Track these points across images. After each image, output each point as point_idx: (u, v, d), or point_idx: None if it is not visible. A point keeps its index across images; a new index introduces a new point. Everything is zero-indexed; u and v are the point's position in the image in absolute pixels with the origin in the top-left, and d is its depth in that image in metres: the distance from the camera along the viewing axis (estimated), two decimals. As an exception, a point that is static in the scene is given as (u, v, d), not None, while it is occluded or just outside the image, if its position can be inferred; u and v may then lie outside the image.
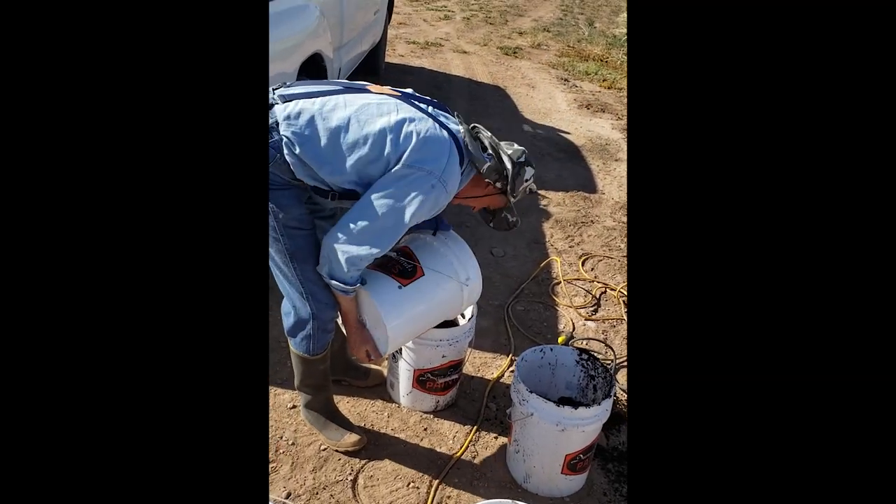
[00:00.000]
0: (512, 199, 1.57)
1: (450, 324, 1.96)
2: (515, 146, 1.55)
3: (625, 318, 2.54)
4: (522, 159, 1.53)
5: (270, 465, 1.71)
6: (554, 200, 3.56)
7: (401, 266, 1.65)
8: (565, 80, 6.57)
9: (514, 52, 7.21)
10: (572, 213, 3.41)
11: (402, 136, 1.42)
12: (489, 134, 1.55)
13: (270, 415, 1.87)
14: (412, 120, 1.44)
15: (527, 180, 1.55)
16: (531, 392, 1.59)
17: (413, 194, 1.41)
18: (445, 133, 1.46)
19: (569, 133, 4.84)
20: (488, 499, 1.60)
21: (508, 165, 1.50)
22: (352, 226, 1.43)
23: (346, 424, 1.80)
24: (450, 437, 1.85)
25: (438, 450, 1.80)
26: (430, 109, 1.53)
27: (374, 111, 1.45)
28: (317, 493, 1.63)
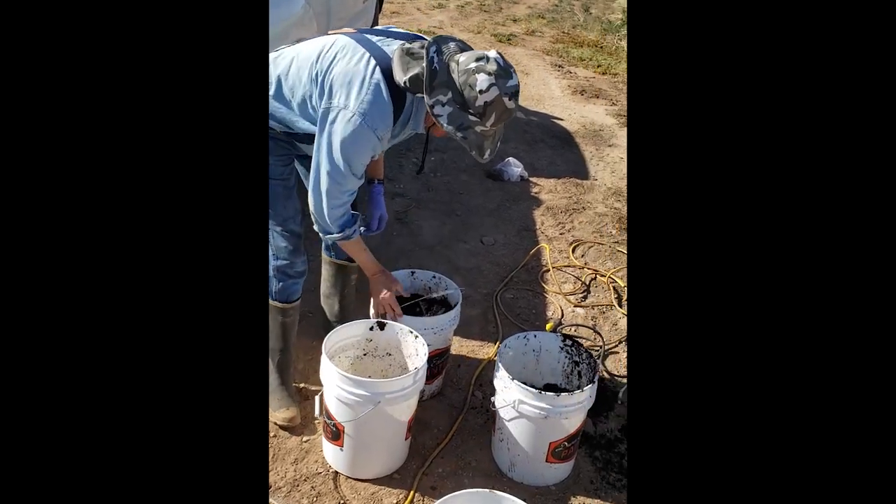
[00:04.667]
0: (473, 117, 1.36)
1: (434, 312, 1.94)
2: (481, 52, 1.38)
3: (614, 303, 2.51)
4: (472, 66, 1.33)
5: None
6: (546, 187, 3.52)
7: None
8: (559, 66, 6.50)
9: (509, 39, 7.13)
10: (564, 200, 3.37)
11: (325, 74, 1.43)
12: (455, 44, 1.41)
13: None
14: (339, 57, 1.43)
15: (482, 91, 1.32)
16: (513, 379, 1.56)
17: (337, 135, 1.41)
18: (370, 64, 1.40)
19: (562, 119, 4.79)
20: (473, 488, 1.58)
21: (455, 77, 1.34)
22: (314, 184, 1.50)
23: (288, 397, 1.77)
24: (434, 427, 1.83)
25: (421, 440, 1.78)
26: (374, 40, 1.47)
27: (312, 53, 1.47)
28: (297, 486, 1.61)
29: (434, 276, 2.01)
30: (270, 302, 1.71)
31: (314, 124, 1.48)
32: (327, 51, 1.46)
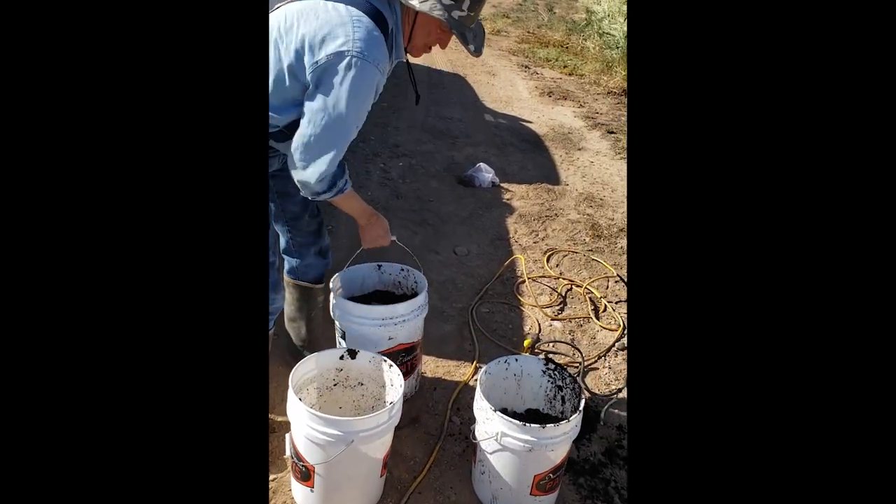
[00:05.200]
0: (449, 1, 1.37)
1: (395, 299, 1.84)
2: None
3: (591, 316, 2.45)
4: None
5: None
6: (517, 193, 3.45)
7: None
8: (526, 66, 6.45)
9: (474, 39, 7.05)
10: (536, 207, 3.30)
11: (295, 44, 1.33)
12: None
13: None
14: (299, 22, 1.33)
15: None
16: (496, 411, 1.47)
17: (340, 85, 1.32)
18: (338, 5, 1.33)
19: (531, 122, 4.73)
20: (453, 525, 1.49)
21: None
22: (304, 146, 1.38)
23: None
24: (410, 458, 1.73)
25: (397, 473, 1.67)
26: None
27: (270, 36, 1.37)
28: (264, 531, 1.49)
29: (402, 269, 1.94)
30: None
31: (288, 109, 1.39)
32: (283, 26, 1.35)
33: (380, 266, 1.94)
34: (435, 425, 1.85)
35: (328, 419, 1.37)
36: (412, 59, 1.57)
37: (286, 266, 1.82)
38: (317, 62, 1.32)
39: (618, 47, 6.73)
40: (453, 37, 1.47)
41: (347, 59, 1.30)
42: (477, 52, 1.46)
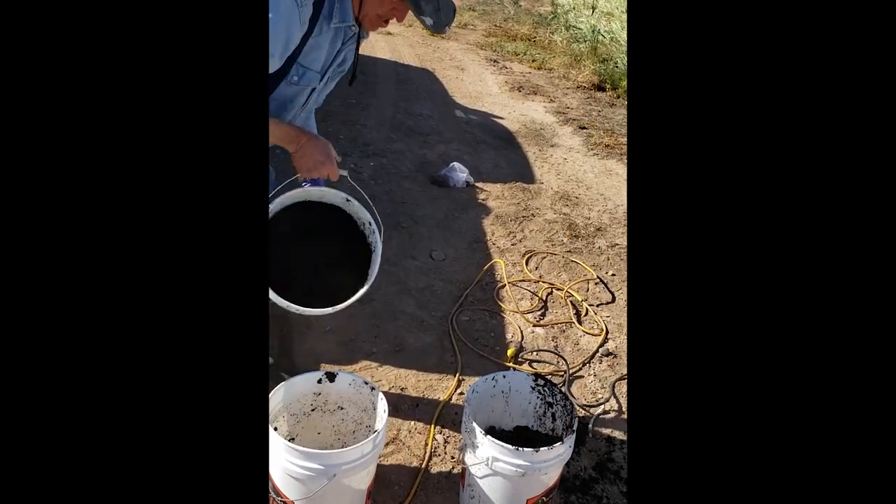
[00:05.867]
0: None
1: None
2: None
3: (573, 320, 2.40)
4: None
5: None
6: (493, 193, 3.37)
7: None
8: (494, 61, 6.38)
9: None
10: (512, 207, 3.23)
11: None
12: None
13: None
14: None
15: None
16: (485, 434, 1.39)
17: None
18: None
19: (502, 118, 4.66)
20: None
21: None
22: None
23: None
24: (394, 482, 1.64)
25: (381, 499, 1.58)
26: None
27: None
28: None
29: (347, 199, 1.47)
30: None
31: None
32: None
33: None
34: (419, 445, 1.76)
35: (308, 453, 1.27)
36: (369, 35, 1.43)
37: None
38: None
39: (585, 41, 6.71)
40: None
41: None
42: (437, 28, 1.28)
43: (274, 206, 1.37)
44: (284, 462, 1.28)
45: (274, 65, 1.26)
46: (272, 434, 1.29)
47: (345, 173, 1.41)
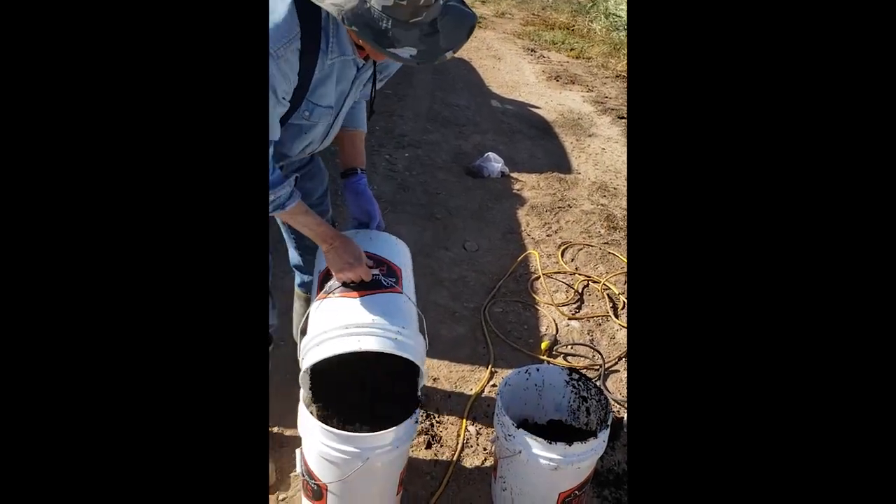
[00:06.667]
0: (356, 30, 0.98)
1: None
2: None
3: (610, 314, 2.35)
4: None
5: None
6: (528, 184, 3.33)
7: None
8: (532, 50, 6.29)
9: (478, 22, 6.88)
10: (548, 198, 3.19)
11: None
12: None
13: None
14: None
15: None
16: (518, 427, 1.38)
17: None
18: None
19: (539, 108, 4.60)
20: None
21: None
22: None
23: None
24: (426, 473, 1.64)
25: (413, 489, 1.58)
26: None
27: None
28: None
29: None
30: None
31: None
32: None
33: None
34: (451, 436, 1.76)
35: (342, 435, 1.28)
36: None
37: (297, 280, 1.74)
38: None
39: (625, 29, 6.55)
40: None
41: None
42: (426, 58, 1.02)
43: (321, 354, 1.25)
44: (319, 445, 1.30)
45: (276, 108, 1.14)
46: (308, 417, 1.30)
47: (377, 272, 1.32)
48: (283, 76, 1.08)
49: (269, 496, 1.54)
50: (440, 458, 1.69)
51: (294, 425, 1.39)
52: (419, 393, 1.35)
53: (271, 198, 1.20)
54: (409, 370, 1.31)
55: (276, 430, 1.70)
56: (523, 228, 2.90)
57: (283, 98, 1.12)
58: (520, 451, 1.38)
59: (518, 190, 3.27)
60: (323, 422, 1.29)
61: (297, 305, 1.77)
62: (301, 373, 1.27)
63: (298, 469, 1.39)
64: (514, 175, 3.41)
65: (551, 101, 4.77)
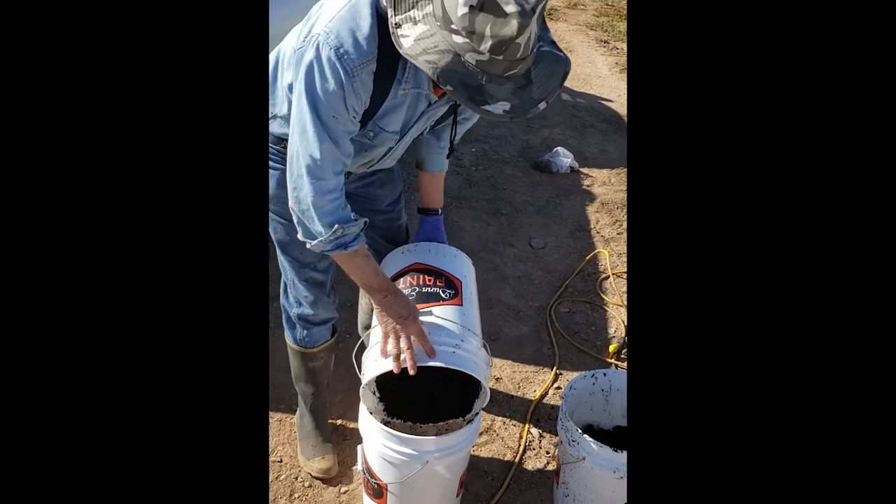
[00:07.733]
0: (458, 37, 0.92)
1: None
2: None
3: (684, 317, 2.23)
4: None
5: (284, 511, 1.51)
6: (598, 179, 3.23)
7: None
8: (605, 41, 6.10)
9: (549, 14, 6.75)
10: (619, 194, 3.08)
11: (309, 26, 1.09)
12: None
13: (285, 453, 1.66)
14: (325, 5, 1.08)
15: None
16: (583, 433, 1.33)
17: (301, 80, 1.03)
18: None
19: (611, 101, 4.45)
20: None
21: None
22: (289, 165, 1.11)
23: (324, 443, 1.59)
24: (487, 474, 1.62)
25: (473, 489, 1.56)
26: None
27: (296, 29, 1.17)
28: (336, 547, 1.43)
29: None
30: (296, 347, 1.51)
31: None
32: (315, 12, 1.11)
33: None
34: (513, 437, 1.73)
35: (403, 438, 1.27)
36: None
37: None
38: (295, 47, 1.09)
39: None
40: None
41: (314, 42, 1.00)
42: (518, 112, 0.96)
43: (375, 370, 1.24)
44: (380, 446, 1.30)
45: (341, 157, 1.11)
46: (369, 418, 1.31)
47: (426, 331, 1.21)
48: (356, 95, 1.06)
49: (332, 489, 1.56)
50: (502, 459, 1.66)
51: (357, 418, 1.40)
52: (480, 404, 1.32)
53: (337, 234, 1.12)
54: (470, 379, 1.28)
55: (339, 422, 1.72)
56: (592, 226, 2.81)
57: (354, 117, 1.10)
58: (584, 458, 1.33)
59: (588, 186, 3.17)
60: (384, 423, 1.29)
61: (364, 302, 1.78)
62: (361, 387, 1.27)
63: (359, 466, 1.40)
64: (584, 170, 3.31)
65: (624, 95, 4.60)
